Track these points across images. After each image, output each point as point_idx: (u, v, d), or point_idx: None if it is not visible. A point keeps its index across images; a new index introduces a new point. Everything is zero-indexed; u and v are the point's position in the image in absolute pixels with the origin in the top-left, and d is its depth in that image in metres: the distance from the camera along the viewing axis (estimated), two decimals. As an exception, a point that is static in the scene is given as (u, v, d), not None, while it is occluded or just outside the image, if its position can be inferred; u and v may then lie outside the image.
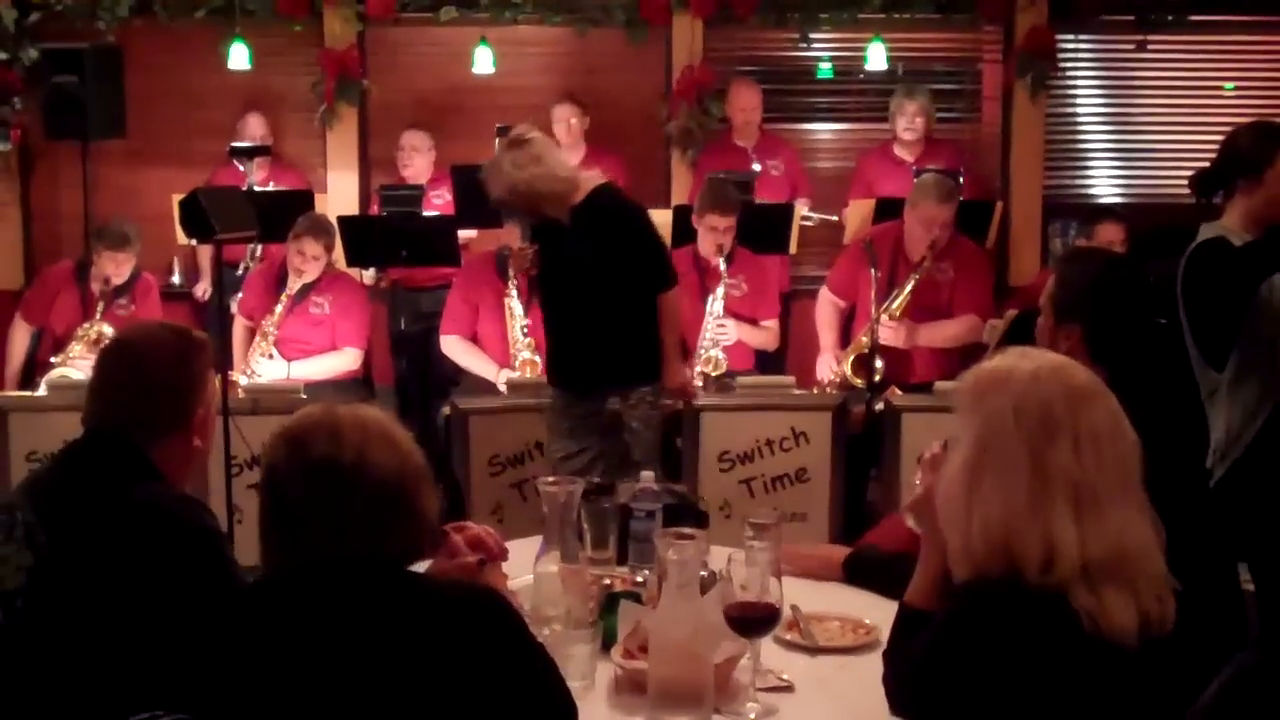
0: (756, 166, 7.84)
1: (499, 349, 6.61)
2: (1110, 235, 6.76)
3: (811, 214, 7.85)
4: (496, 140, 7.47)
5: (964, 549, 2.19)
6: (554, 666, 2.25)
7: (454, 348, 6.63)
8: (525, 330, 6.48)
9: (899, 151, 7.90)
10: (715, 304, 6.55)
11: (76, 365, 6.69)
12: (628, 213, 5.47)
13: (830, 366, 6.55)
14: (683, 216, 6.90)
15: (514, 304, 6.52)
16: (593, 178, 5.49)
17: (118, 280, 6.88)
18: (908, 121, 7.77)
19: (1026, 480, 2.14)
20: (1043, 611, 2.10)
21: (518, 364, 6.47)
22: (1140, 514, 2.18)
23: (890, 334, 6.28)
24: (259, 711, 2.10)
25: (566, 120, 8.03)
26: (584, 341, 5.40)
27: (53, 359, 6.77)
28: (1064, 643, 2.10)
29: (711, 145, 8.20)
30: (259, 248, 7.35)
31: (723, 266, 6.54)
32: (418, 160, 8.06)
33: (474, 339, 6.66)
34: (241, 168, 7.53)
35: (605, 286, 5.31)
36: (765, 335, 6.79)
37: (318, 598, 2.13)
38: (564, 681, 2.24)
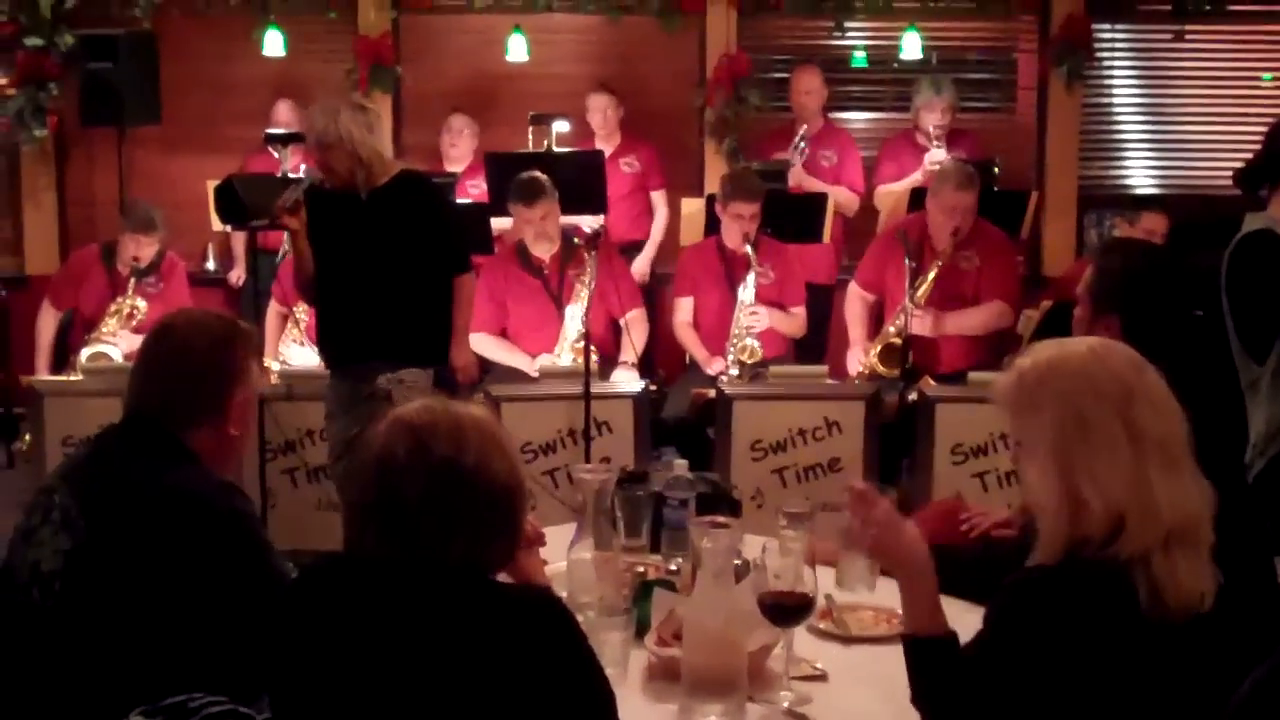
0: (795, 157, 7.78)
1: (531, 339, 6.61)
2: (1153, 225, 6.73)
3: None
4: (530, 129, 7.53)
5: (1070, 532, 2.18)
6: (598, 663, 2.24)
7: (483, 344, 6.50)
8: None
9: (923, 141, 7.83)
10: (746, 291, 6.54)
11: (110, 341, 6.74)
12: (428, 198, 5.46)
13: (859, 359, 6.54)
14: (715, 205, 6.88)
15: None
16: (402, 165, 5.51)
17: (144, 262, 6.91)
18: (937, 117, 7.71)
19: (1127, 448, 2.16)
20: (1109, 587, 2.12)
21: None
22: (1197, 480, 2.22)
23: (917, 322, 6.25)
24: (321, 692, 2.12)
25: (603, 110, 8.02)
26: (356, 316, 5.32)
27: (87, 337, 6.81)
28: (1124, 620, 2.11)
29: (773, 132, 8.16)
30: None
31: (751, 254, 6.53)
32: (463, 144, 8.07)
33: (503, 333, 6.65)
34: (276, 154, 7.56)
35: (389, 265, 5.26)
36: (794, 322, 6.78)
37: (404, 592, 2.12)
38: (605, 675, 2.24)
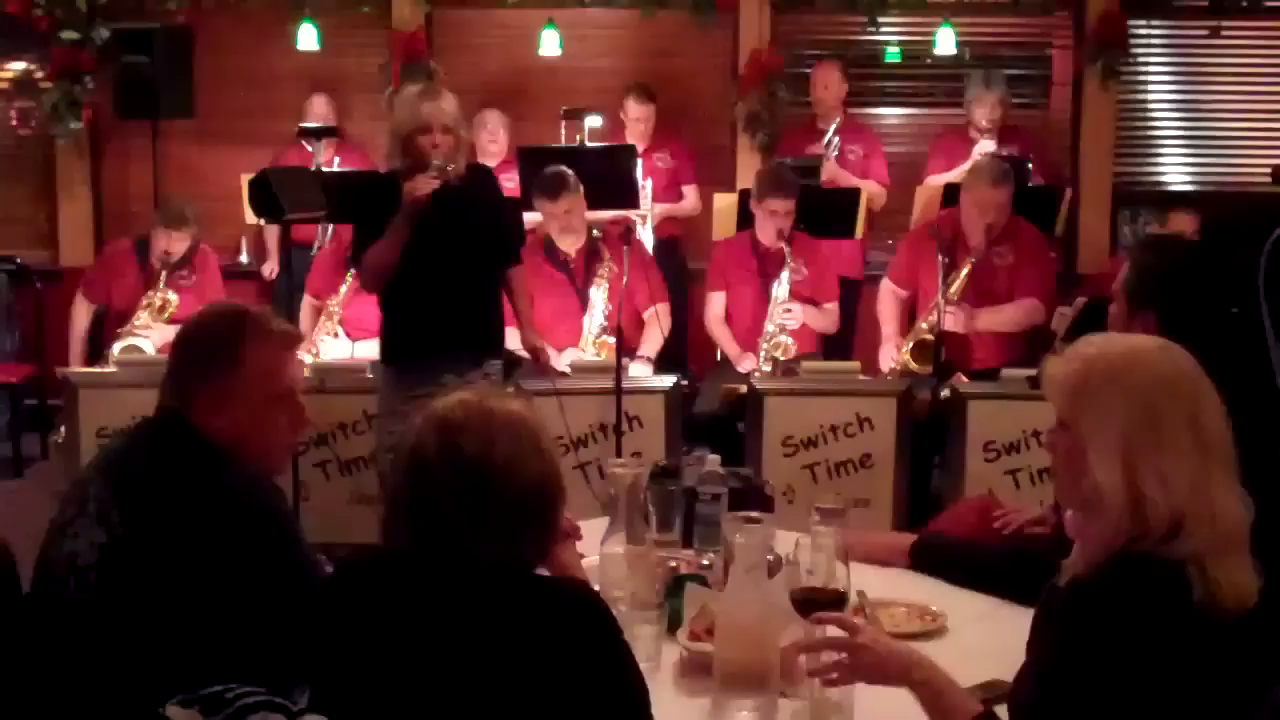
0: (829, 150, 7.77)
1: (557, 332, 6.60)
2: (1182, 224, 6.70)
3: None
4: (563, 123, 7.53)
5: (1129, 528, 2.15)
6: (633, 658, 2.24)
7: (511, 338, 6.51)
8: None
9: (975, 136, 7.80)
10: (780, 289, 6.53)
11: (142, 334, 6.77)
12: (497, 187, 5.47)
13: (891, 356, 6.53)
14: (749, 201, 6.87)
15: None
16: None
17: (175, 256, 6.94)
18: (988, 112, 7.70)
19: (1194, 452, 2.14)
20: (1168, 583, 2.10)
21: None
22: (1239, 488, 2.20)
23: (950, 319, 6.23)
24: (362, 684, 2.13)
25: (644, 120, 7.98)
26: (443, 308, 5.12)
27: (119, 330, 6.85)
28: (1182, 617, 2.09)
29: (793, 128, 8.17)
30: (331, 227, 7.39)
31: (786, 250, 6.51)
32: (501, 138, 8.08)
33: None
34: (310, 148, 7.58)
35: (471, 255, 5.15)
36: (827, 317, 6.77)
37: (441, 585, 2.14)
38: (639, 670, 2.24)
